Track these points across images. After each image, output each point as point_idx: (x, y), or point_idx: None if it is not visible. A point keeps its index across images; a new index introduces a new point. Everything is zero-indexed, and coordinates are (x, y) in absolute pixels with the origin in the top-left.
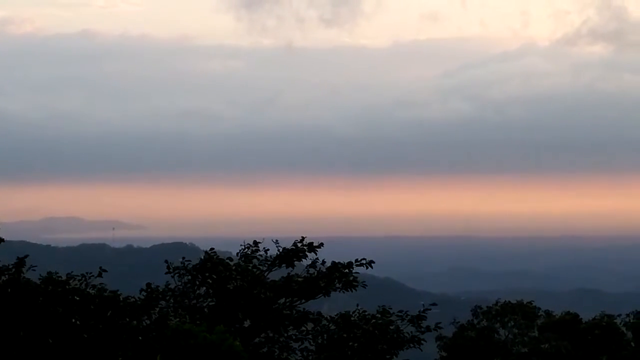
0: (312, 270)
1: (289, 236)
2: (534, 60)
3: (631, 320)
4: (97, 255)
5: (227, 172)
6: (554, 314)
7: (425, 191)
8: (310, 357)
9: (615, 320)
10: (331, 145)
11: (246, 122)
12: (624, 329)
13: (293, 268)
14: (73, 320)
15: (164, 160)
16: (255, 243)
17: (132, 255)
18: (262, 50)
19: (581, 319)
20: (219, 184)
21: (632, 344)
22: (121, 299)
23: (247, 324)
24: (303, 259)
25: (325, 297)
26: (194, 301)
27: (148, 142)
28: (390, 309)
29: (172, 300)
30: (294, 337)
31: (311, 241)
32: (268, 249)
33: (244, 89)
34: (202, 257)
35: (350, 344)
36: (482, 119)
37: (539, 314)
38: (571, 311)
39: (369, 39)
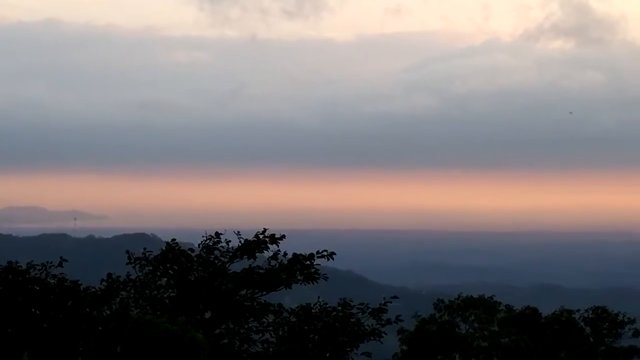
0: (273, 262)
1: (251, 228)
2: (498, 56)
3: (590, 316)
4: (58, 245)
5: (190, 163)
6: (514, 308)
7: (389, 185)
8: (271, 349)
9: (574, 316)
10: (295, 138)
11: (210, 114)
12: (582, 324)
13: (254, 260)
14: (33, 310)
15: (127, 151)
16: (217, 234)
17: (93, 245)
18: (227, 42)
19: (541, 313)
20: (182, 175)
21: (591, 339)
22: (82, 289)
23: (208, 315)
24: (265, 251)
25: (286, 289)
26: (155, 292)
27: (111, 132)
28: (351, 301)
29: (133, 291)
30: (254, 329)
31: (273, 233)
32: (230, 241)
33: (208, 81)
34: (164, 248)
35: (311, 336)
36: (445, 114)
37: (500, 308)
38: (531, 306)
39: (334, 32)
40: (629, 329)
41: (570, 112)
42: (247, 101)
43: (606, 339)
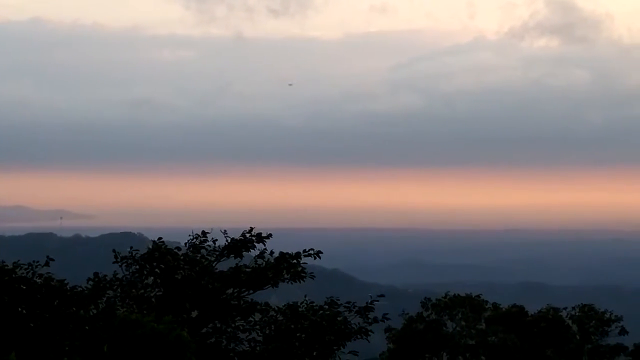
0: (260, 261)
1: (237, 227)
2: (483, 54)
3: (576, 314)
4: (45, 244)
5: (177, 161)
6: (501, 306)
7: (375, 183)
8: (258, 348)
9: (560, 314)
10: (281, 136)
11: (196, 112)
12: (569, 322)
13: (241, 259)
14: (19, 310)
15: (113, 150)
16: (204, 233)
17: (80, 244)
18: (213, 40)
19: (527, 311)
20: (168, 173)
21: (578, 337)
22: (68, 288)
23: (194, 314)
24: (251, 250)
25: (273, 287)
26: (142, 291)
27: (97, 130)
28: (338, 300)
29: (119, 290)
30: (241, 328)
31: (260, 232)
32: (216, 240)
33: (194, 79)
34: (150, 247)
35: (298, 334)
36: (432, 112)
37: (487, 306)
38: (518, 304)
39: (320, 30)
40: (616, 327)
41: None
42: (233, 99)
43: (593, 337)
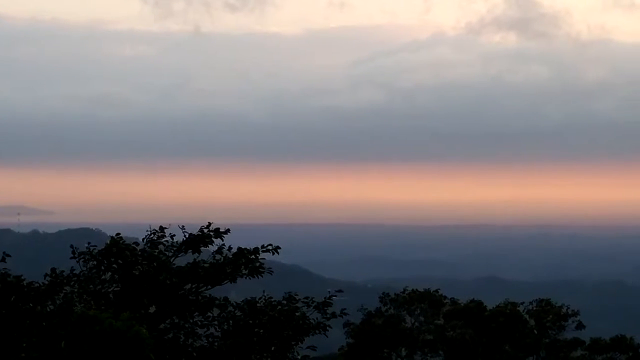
0: (218, 257)
1: (197, 222)
2: (442, 50)
3: (534, 308)
4: (2, 240)
5: (136, 157)
6: (459, 302)
7: (335, 179)
8: (216, 343)
9: (518, 308)
10: (241, 132)
11: (156, 108)
12: (527, 316)
13: (199, 254)
14: None
15: (72, 145)
16: (162, 229)
17: (37, 240)
18: (171, 36)
19: (485, 306)
20: (127, 169)
21: (535, 331)
22: (25, 284)
23: (152, 309)
24: (209, 245)
25: (231, 283)
26: (99, 286)
27: (57, 126)
28: (297, 295)
29: (77, 286)
30: (199, 323)
31: (217, 227)
32: (174, 235)
33: (154, 74)
34: (108, 243)
35: (256, 330)
36: (392, 107)
37: (445, 301)
38: (476, 299)
39: (280, 25)
40: (573, 322)
41: None
42: (193, 95)
43: (550, 332)
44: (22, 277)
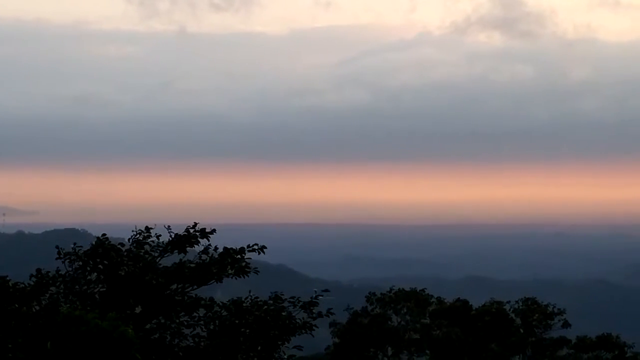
0: (204, 257)
1: (182, 223)
2: (428, 49)
3: (520, 307)
4: None
5: (121, 157)
6: (445, 301)
7: (321, 179)
8: (202, 343)
9: (504, 307)
10: (226, 132)
11: (141, 108)
12: (513, 315)
13: (185, 254)
14: None
15: (57, 146)
16: (147, 229)
17: (23, 241)
18: (156, 36)
19: (471, 305)
20: (113, 169)
21: (521, 330)
22: (10, 284)
23: (138, 310)
24: (195, 246)
25: (217, 283)
26: (85, 287)
27: (42, 126)
28: (283, 295)
29: (62, 286)
30: (185, 323)
31: (203, 227)
32: (160, 235)
33: (139, 74)
34: (94, 243)
35: (242, 330)
36: (377, 107)
37: (431, 301)
38: (462, 298)
39: (265, 26)
40: (559, 320)
41: None
42: (178, 95)
43: (536, 330)
44: (8, 278)
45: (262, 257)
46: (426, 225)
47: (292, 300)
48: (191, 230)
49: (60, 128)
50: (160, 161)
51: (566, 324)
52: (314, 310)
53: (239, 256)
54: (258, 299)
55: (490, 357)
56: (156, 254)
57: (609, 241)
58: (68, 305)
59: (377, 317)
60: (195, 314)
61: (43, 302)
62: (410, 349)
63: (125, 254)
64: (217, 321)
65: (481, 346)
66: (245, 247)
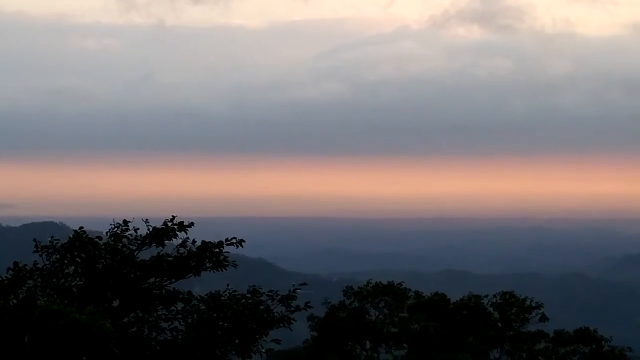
0: (182, 250)
1: (160, 216)
2: (406, 43)
3: (498, 301)
4: None
5: (101, 151)
6: (423, 295)
7: (300, 173)
8: (180, 337)
9: (482, 301)
10: (205, 125)
11: (121, 101)
12: (491, 309)
13: (163, 247)
14: None
15: (35, 139)
16: (125, 222)
17: (0, 234)
18: (135, 29)
19: (449, 299)
20: (92, 163)
21: (499, 324)
22: None
23: (116, 303)
24: (173, 239)
25: (195, 276)
26: (63, 280)
27: (20, 119)
28: (261, 288)
29: (40, 280)
30: (163, 317)
31: (181, 220)
32: (138, 229)
33: (119, 68)
34: (71, 236)
35: (220, 323)
36: (356, 101)
37: (409, 294)
38: (440, 292)
39: (244, 19)
40: (536, 314)
41: None
42: (157, 88)
43: (514, 324)
44: None
45: (240, 251)
46: (404, 219)
47: (270, 293)
48: (169, 224)
49: (39, 121)
50: (139, 154)
51: (544, 318)
52: (292, 304)
53: (217, 249)
54: (236, 293)
55: (468, 351)
56: (134, 247)
57: (587, 235)
58: (46, 298)
59: (355, 311)
60: (173, 307)
61: (20, 296)
62: (388, 343)
63: (103, 247)
64: (195, 315)
65: (459, 340)
66: (224, 240)
